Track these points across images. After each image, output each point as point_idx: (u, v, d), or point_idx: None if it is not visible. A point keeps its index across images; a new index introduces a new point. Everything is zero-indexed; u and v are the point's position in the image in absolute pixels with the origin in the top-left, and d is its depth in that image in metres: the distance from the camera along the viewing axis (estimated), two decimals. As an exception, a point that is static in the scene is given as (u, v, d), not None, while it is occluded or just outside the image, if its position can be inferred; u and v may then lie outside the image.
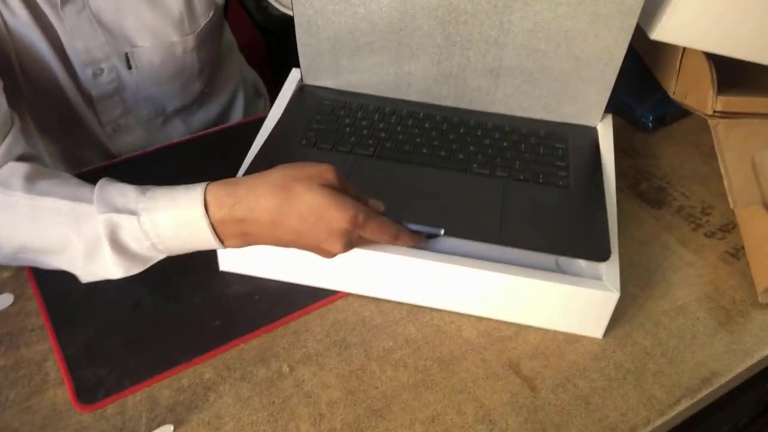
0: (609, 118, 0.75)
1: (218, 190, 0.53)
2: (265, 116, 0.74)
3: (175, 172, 0.62)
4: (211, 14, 0.84)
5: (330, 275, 0.63)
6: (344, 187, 0.56)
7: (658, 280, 0.67)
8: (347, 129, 0.71)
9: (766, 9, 0.66)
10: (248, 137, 0.70)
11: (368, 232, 0.55)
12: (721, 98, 0.72)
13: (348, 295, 0.64)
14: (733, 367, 0.60)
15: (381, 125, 0.72)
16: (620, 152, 0.72)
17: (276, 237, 0.55)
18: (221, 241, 0.54)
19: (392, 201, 0.60)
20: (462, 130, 0.72)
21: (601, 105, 0.74)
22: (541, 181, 0.66)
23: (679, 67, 0.76)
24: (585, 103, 0.74)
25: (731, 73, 0.74)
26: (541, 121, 0.75)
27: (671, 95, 0.79)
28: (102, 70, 0.79)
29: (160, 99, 0.88)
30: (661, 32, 0.68)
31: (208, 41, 0.87)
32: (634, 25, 0.67)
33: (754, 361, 0.61)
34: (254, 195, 0.53)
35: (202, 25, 0.83)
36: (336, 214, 0.53)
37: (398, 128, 0.72)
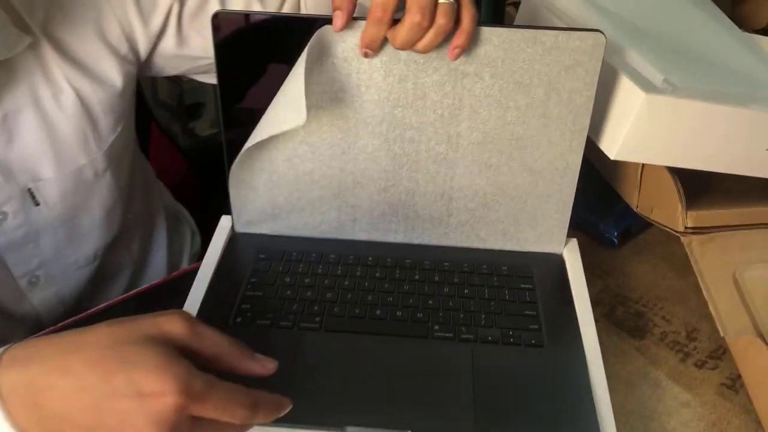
0: (574, 244, 0.69)
1: (17, 349, 0.42)
2: (195, 268, 0.65)
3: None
4: (119, 129, 0.73)
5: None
6: (194, 345, 0.42)
7: (656, 430, 0.60)
8: (288, 292, 0.62)
9: (726, 118, 0.62)
10: (179, 295, 0.62)
11: (210, 408, 0.40)
12: (692, 213, 0.67)
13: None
14: None
15: (326, 281, 0.63)
16: (588, 273, 0.66)
17: (67, 413, 0.40)
18: (17, 425, 0.40)
19: (343, 392, 0.52)
20: (417, 276, 0.65)
21: (563, 226, 0.68)
22: (512, 340, 0.58)
23: (641, 181, 0.71)
24: (546, 226, 0.68)
25: (694, 181, 0.69)
26: (501, 252, 0.69)
27: (635, 209, 0.74)
28: (5, 214, 0.68)
29: (83, 240, 0.77)
30: (622, 152, 0.63)
31: (121, 161, 0.76)
32: (587, 126, 0.62)
33: None
34: (54, 346, 0.41)
35: (111, 141, 0.72)
36: (155, 382, 0.38)
37: (346, 283, 0.63)
